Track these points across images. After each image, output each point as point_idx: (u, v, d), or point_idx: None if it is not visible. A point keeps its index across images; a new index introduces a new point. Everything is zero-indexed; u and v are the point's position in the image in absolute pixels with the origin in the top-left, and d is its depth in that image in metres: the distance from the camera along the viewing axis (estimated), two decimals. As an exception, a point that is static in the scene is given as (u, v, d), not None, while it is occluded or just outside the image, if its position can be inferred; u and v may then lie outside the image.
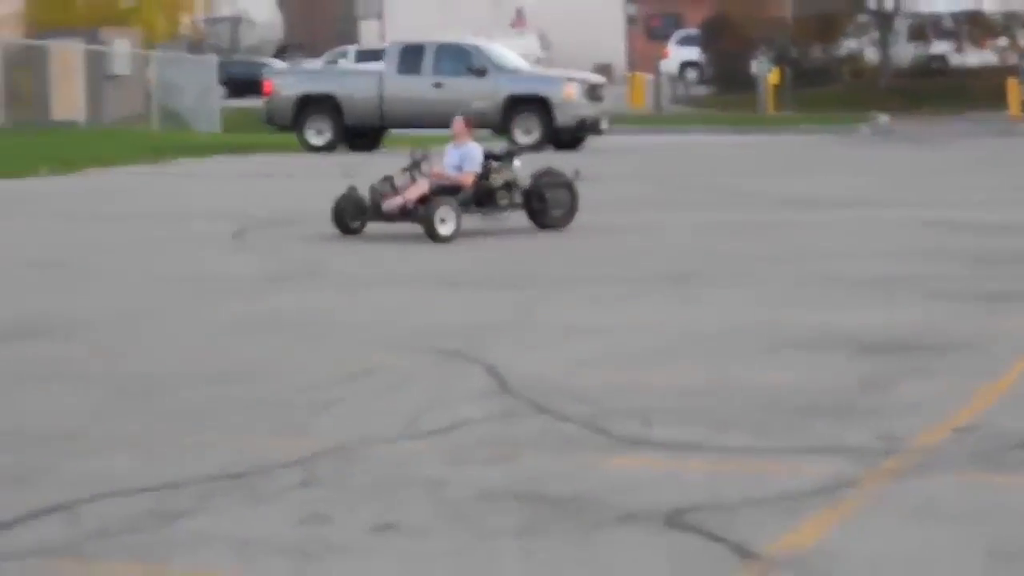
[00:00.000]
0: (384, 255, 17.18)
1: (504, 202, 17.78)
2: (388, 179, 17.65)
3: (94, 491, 7.32)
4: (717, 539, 6.56)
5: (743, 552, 6.39)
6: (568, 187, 18.78)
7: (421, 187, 17.23)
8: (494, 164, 18.03)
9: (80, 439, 8.62)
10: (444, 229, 16.68)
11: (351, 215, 17.68)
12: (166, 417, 9.25)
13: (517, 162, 18.40)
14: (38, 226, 21.25)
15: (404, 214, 17.22)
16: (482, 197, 17.57)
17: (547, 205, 18.31)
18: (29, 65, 46.45)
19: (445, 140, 37.74)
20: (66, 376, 10.61)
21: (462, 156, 17.90)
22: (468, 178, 17.54)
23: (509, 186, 17.84)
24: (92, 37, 48.06)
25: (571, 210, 18.81)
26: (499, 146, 19.00)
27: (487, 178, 17.68)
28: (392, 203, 17.24)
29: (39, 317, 13.13)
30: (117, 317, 13.19)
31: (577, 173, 18.72)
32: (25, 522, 6.81)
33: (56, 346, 11.81)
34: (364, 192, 17.88)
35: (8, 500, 7.12)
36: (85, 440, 8.64)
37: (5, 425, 9.01)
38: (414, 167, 17.86)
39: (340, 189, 26.78)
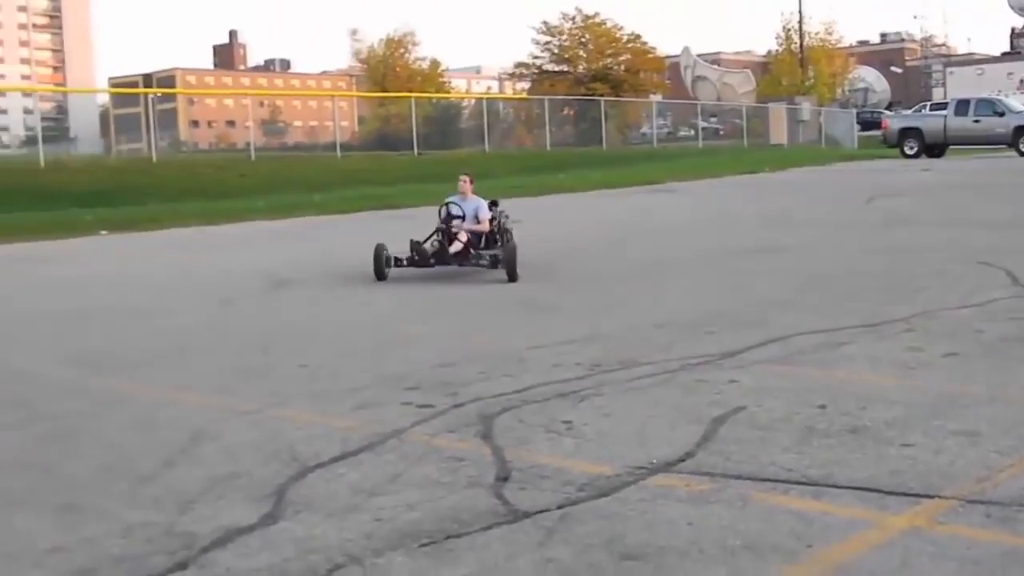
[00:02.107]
0: (943, 209, 15.88)
1: (499, 242, 11.16)
2: (440, 230, 11.00)
3: (796, 331, 7.09)
4: None
5: None
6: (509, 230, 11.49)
7: (463, 236, 10.75)
8: (494, 212, 11.38)
9: (787, 305, 8.30)
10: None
11: (384, 264, 10.56)
12: (832, 294, 8.84)
13: (500, 209, 11.52)
14: (766, 198, 20.82)
15: (464, 256, 10.74)
16: (488, 239, 11.17)
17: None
18: (759, 117, 47.51)
19: (974, 152, 34.75)
20: (775, 273, 10.32)
21: (475, 207, 11.18)
22: (486, 225, 11.10)
23: (500, 229, 11.27)
24: (790, 101, 49.08)
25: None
26: (488, 199, 11.37)
27: (492, 223, 11.28)
28: (454, 247, 10.73)
29: (769, 242, 12.81)
30: (808, 243, 12.76)
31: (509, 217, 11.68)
32: (753, 349, 6.58)
33: (776, 256, 11.50)
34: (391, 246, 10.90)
35: (742, 338, 6.94)
36: (790, 304, 8.33)
37: (752, 297, 8.86)
38: (449, 219, 11.03)
39: (921, 175, 24.98)
